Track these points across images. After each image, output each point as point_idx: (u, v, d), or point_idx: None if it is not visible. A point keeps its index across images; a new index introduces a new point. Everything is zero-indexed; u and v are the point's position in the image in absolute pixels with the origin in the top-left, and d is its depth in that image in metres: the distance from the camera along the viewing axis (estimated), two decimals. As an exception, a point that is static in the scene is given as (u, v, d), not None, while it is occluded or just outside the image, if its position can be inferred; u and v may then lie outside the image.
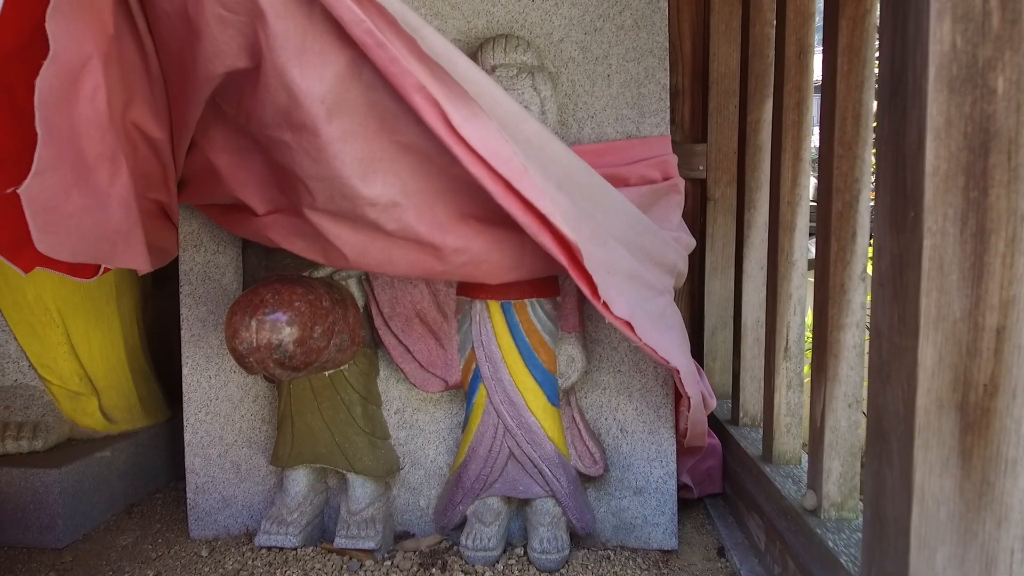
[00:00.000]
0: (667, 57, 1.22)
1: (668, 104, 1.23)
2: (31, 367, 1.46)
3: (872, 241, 0.80)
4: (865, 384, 0.81)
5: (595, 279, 0.93)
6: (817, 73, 1.14)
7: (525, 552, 1.20)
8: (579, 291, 1.09)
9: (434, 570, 1.15)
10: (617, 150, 1.20)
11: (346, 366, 1.22)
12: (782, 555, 1.02)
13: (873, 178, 0.91)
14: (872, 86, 0.98)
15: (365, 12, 0.80)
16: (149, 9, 0.87)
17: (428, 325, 1.21)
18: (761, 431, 1.28)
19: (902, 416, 0.68)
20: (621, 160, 1.19)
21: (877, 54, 0.78)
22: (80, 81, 0.75)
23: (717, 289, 1.70)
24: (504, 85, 1.15)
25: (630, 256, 1.03)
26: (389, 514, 1.27)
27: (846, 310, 0.96)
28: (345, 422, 1.22)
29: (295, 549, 1.21)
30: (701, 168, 1.73)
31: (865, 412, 0.80)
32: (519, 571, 1.14)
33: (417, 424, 1.28)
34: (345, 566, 1.16)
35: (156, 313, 1.68)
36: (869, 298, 0.88)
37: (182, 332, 1.31)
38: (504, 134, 0.88)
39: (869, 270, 0.91)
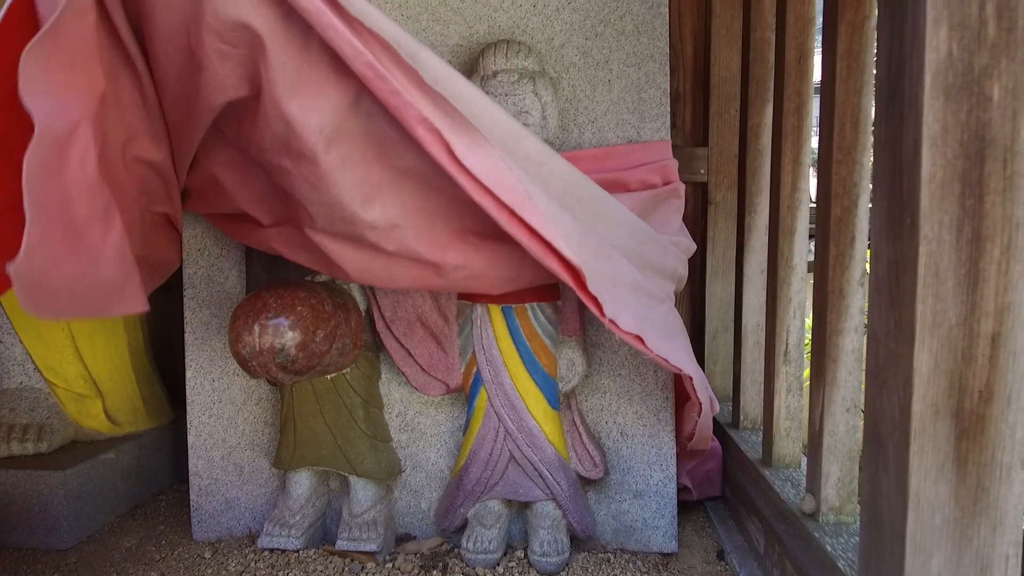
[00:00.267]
0: (667, 62, 1.23)
1: (668, 109, 1.23)
2: (36, 370, 1.47)
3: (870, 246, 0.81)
4: (863, 388, 0.82)
5: (600, 299, 0.94)
6: (817, 76, 1.14)
7: (525, 555, 1.20)
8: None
9: (435, 572, 1.15)
10: (618, 155, 1.21)
11: (348, 369, 1.23)
12: (781, 559, 1.02)
13: (871, 183, 0.91)
14: (871, 91, 0.98)
15: (365, 44, 0.80)
16: (149, 44, 0.88)
17: (429, 329, 1.22)
18: (761, 434, 1.29)
19: (898, 422, 0.68)
20: (622, 165, 1.20)
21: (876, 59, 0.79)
22: (69, 148, 0.74)
23: (718, 292, 1.70)
24: (505, 90, 1.16)
25: (632, 266, 1.04)
26: (391, 516, 1.28)
27: (845, 315, 0.97)
28: (347, 425, 1.23)
29: (297, 551, 1.22)
30: (702, 172, 1.73)
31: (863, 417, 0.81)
32: (519, 574, 1.15)
33: (418, 427, 1.29)
34: (347, 568, 1.17)
35: (160, 316, 1.69)
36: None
37: (185, 335, 1.32)
38: (506, 160, 0.88)
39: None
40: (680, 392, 1.23)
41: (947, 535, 0.66)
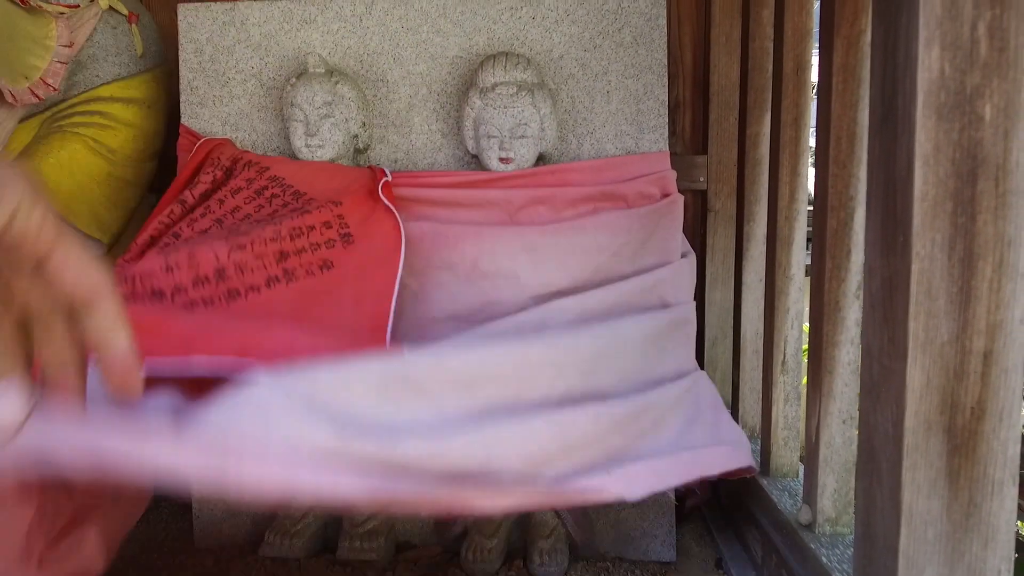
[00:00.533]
0: (666, 73, 1.24)
1: (667, 120, 1.24)
2: (40, 378, 1.48)
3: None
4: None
5: (623, 495, 0.90)
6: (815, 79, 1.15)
7: (525, 564, 1.21)
8: None
9: (435, 581, 1.16)
10: (616, 166, 1.22)
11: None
12: (778, 569, 1.03)
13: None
14: (867, 105, 0.99)
15: None
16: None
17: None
18: (759, 444, 1.29)
19: (891, 437, 0.69)
20: (620, 176, 1.20)
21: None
22: None
23: (717, 300, 1.70)
24: (504, 103, 1.17)
25: (647, 402, 1.00)
26: (391, 526, 1.29)
27: (841, 327, 0.97)
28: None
29: (299, 560, 1.23)
30: (702, 179, 1.74)
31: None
32: (519, 582, 1.16)
33: (419, 436, 1.30)
34: (347, 577, 1.18)
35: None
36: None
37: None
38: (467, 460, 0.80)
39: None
40: None
41: (939, 550, 0.66)
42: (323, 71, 1.23)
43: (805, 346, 1.21)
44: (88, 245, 1.42)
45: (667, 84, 1.24)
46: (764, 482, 1.16)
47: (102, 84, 1.46)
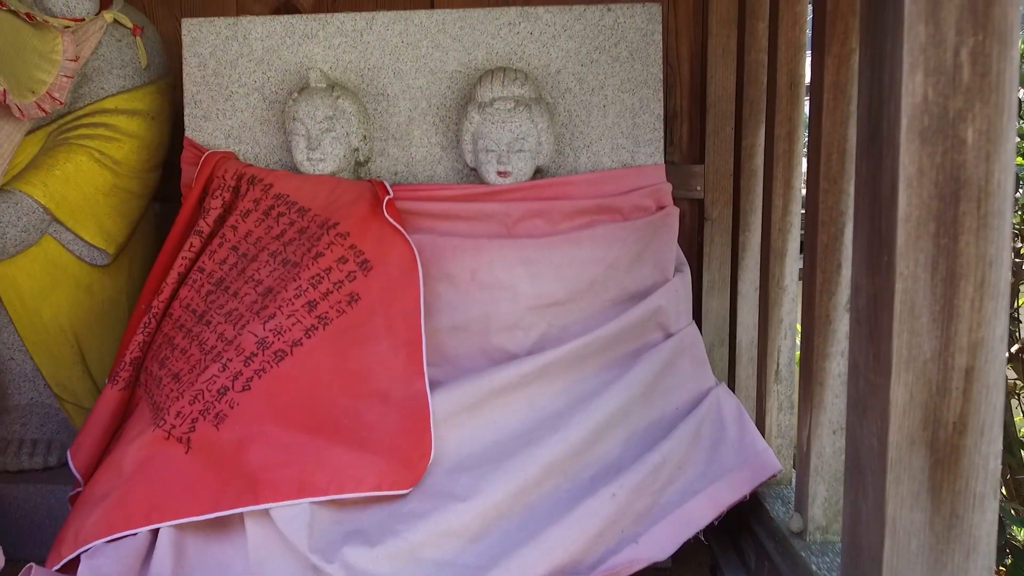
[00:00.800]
0: (661, 88, 1.26)
1: (662, 134, 1.26)
2: (46, 386, 1.50)
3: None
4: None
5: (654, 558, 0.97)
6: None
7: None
8: None
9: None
10: (612, 179, 1.24)
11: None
12: (770, 575, 1.05)
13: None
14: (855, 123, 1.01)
15: None
16: None
17: None
18: (754, 451, 1.31)
19: (876, 450, 0.71)
20: (616, 189, 1.23)
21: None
22: None
23: (714, 307, 1.72)
24: (502, 118, 1.19)
25: (662, 456, 1.04)
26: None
27: (831, 339, 0.99)
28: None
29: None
30: (699, 188, 1.76)
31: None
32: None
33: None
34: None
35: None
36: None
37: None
38: None
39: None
40: None
41: (922, 561, 0.68)
42: (324, 86, 1.25)
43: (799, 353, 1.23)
44: (94, 255, 1.44)
45: (663, 98, 1.26)
46: (758, 490, 1.18)
47: (107, 96, 1.49)
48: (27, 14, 1.36)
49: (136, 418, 1.09)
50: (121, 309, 1.56)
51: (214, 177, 1.28)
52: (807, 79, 1.23)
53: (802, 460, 1.01)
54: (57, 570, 0.98)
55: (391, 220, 1.14)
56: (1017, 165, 1.01)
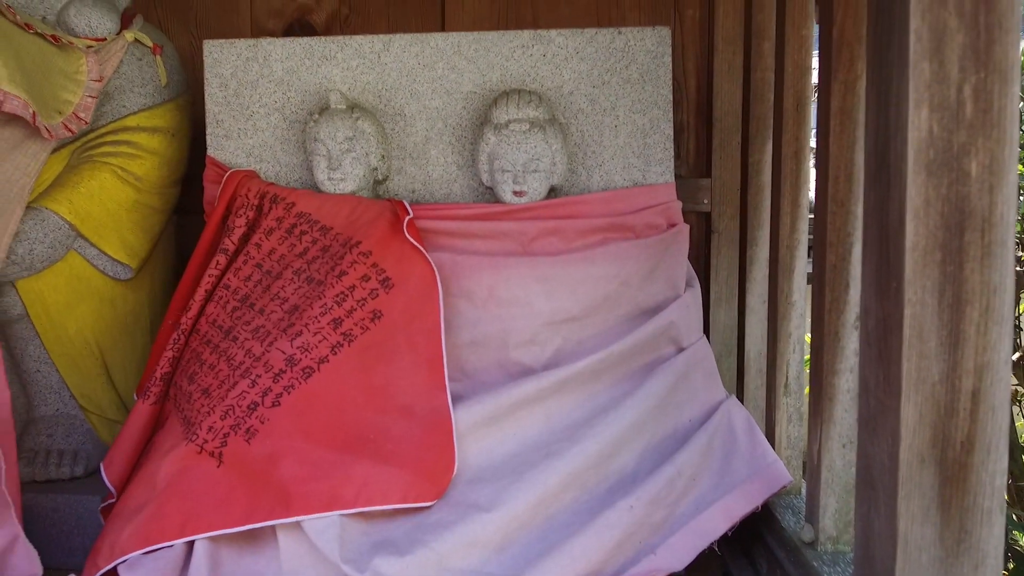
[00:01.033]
0: (671, 108, 1.30)
1: (672, 153, 1.30)
2: (72, 397, 1.54)
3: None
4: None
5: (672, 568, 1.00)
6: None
7: None
8: None
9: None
10: (624, 198, 1.27)
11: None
12: (782, 584, 1.08)
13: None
14: (863, 146, 1.05)
15: None
16: None
17: None
18: (763, 461, 1.35)
19: (887, 468, 0.75)
20: (628, 208, 1.26)
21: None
22: None
23: (722, 319, 1.76)
24: (517, 139, 1.23)
25: (676, 467, 1.08)
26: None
27: (840, 356, 1.03)
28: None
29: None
30: (706, 202, 1.79)
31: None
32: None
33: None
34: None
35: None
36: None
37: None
38: None
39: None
40: None
41: (933, 573, 0.72)
42: (344, 107, 1.29)
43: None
44: (118, 269, 1.48)
45: (672, 118, 1.30)
46: (769, 500, 1.22)
47: (128, 114, 1.52)
48: (53, 36, 1.40)
49: (167, 432, 1.12)
50: (143, 321, 1.60)
51: (237, 196, 1.31)
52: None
53: (813, 472, 1.05)
54: None
55: (412, 240, 1.18)
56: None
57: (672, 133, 1.30)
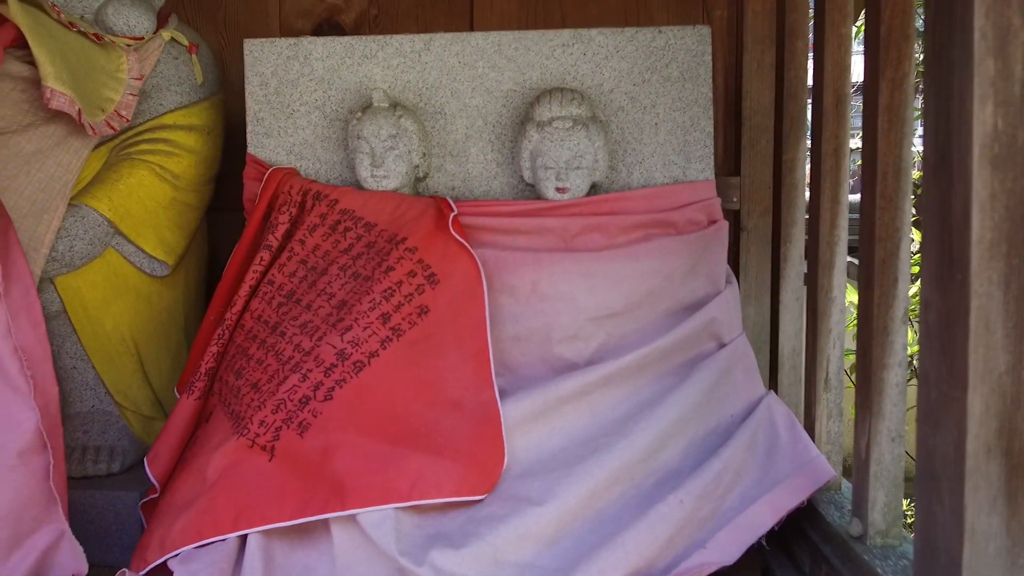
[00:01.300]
0: (711, 106, 1.31)
1: (712, 150, 1.31)
2: (107, 393, 1.55)
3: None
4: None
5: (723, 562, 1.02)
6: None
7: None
8: None
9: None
10: (666, 194, 1.29)
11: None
12: (828, 578, 1.09)
13: (912, 228, 0.98)
14: (911, 143, 1.06)
15: None
16: None
17: None
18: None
19: (951, 459, 0.75)
20: (670, 204, 1.27)
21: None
22: None
23: (751, 316, 1.76)
24: (560, 136, 1.24)
25: (723, 462, 1.09)
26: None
27: (889, 351, 1.04)
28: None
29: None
30: (735, 200, 1.80)
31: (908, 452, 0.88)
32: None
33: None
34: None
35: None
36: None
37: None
38: None
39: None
40: None
41: (1000, 563, 0.72)
42: (387, 105, 1.30)
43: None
44: (155, 266, 1.49)
45: (712, 116, 1.31)
46: (812, 495, 1.22)
47: (165, 112, 1.53)
48: (95, 34, 1.41)
49: (214, 427, 1.13)
50: (177, 318, 1.61)
51: (279, 193, 1.32)
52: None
53: (860, 466, 1.06)
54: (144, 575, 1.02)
55: (457, 236, 1.19)
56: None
57: (712, 131, 1.31)
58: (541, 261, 1.22)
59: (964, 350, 0.74)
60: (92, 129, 1.36)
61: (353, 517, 0.97)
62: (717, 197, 1.30)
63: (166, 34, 1.54)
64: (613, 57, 1.32)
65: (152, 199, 1.48)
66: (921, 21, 1.35)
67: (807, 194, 1.45)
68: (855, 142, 1.83)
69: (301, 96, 1.40)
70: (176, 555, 1.00)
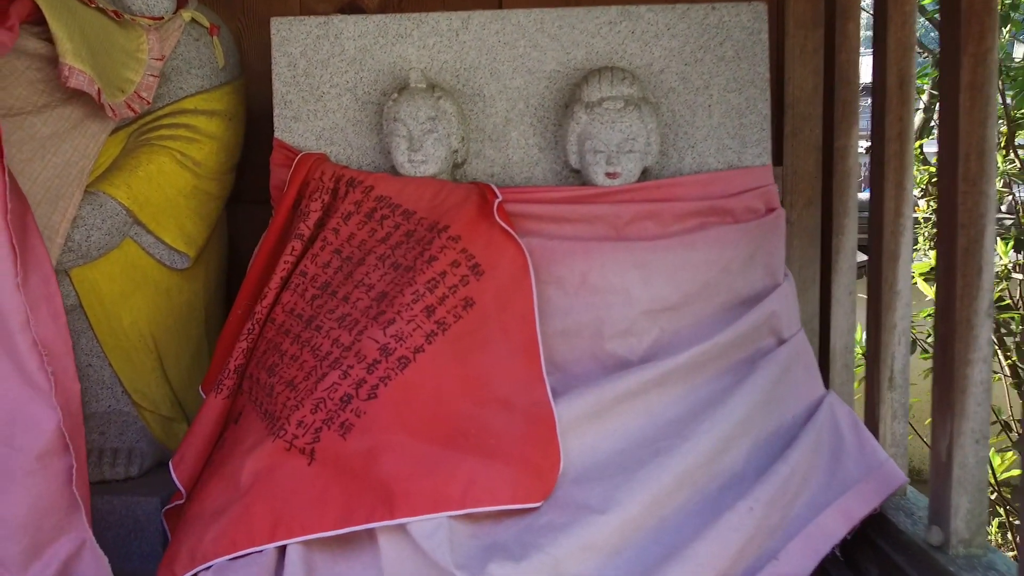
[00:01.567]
0: (768, 88, 1.24)
1: (769, 134, 1.24)
2: (124, 393, 1.47)
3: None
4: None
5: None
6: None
7: None
8: None
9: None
10: (722, 180, 1.22)
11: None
12: (904, 589, 1.02)
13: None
14: (995, 122, 0.99)
15: None
16: None
17: None
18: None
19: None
20: (726, 191, 1.21)
21: None
22: None
23: (794, 312, 1.70)
24: (611, 117, 1.17)
25: (789, 466, 1.03)
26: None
27: (973, 345, 0.97)
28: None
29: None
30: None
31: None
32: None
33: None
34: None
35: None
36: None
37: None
38: None
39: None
40: None
41: None
42: (425, 86, 1.23)
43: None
44: (175, 258, 1.41)
45: (769, 98, 1.23)
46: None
47: (186, 96, 1.46)
48: (114, 12, 1.34)
49: (245, 428, 1.06)
50: (197, 313, 1.54)
51: (310, 180, 1.25)
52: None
53: (940, 470, 0.99)
54: None
55: (503, 224, 1.12)
56: None
57: (769, 113, 1.24)
58: (591, 251, 1.15)
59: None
60: (112, 111, 1.29)
61: (402, 526, 0.90)
62: (775, 184, 1.23)
63: (186, 14, 1.47)
64: (664, 35, 1.25)
65: (172, 187, 1.41)
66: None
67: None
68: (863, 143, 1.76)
69: (331, 78, 1.33)
70: (208, 567, 0.92)
